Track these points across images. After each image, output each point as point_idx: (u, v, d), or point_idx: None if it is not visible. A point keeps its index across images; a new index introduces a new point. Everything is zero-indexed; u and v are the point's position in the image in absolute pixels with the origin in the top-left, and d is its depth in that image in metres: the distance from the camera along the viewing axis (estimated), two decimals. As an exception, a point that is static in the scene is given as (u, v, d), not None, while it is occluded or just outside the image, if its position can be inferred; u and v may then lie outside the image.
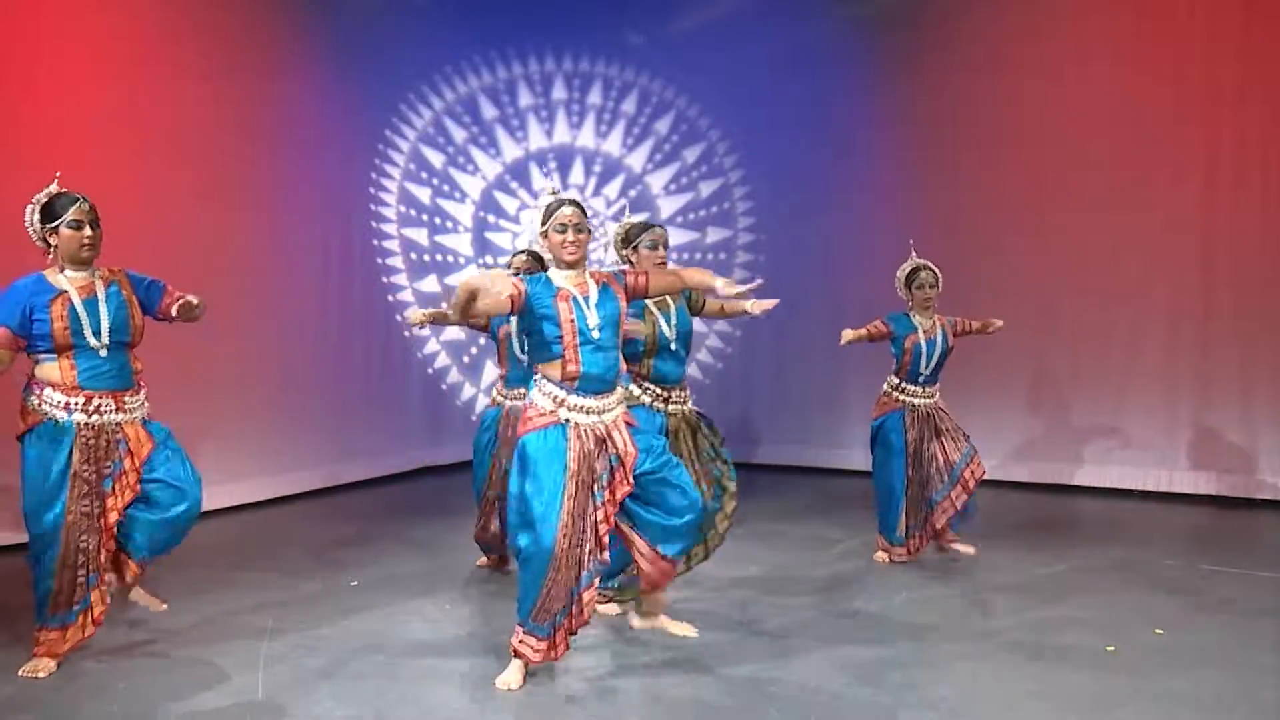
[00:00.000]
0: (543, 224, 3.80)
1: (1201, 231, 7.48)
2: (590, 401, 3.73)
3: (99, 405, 3.86)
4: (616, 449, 3.74)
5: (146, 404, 4.06)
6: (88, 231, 3.84)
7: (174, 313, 4.02)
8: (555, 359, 3.72)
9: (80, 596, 3.86)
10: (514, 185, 9.61)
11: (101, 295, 3.87)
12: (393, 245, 8.92)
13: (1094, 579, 5.21)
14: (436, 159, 9.22)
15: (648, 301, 4.42)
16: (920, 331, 5.43)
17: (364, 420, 8.33)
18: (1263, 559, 5.60)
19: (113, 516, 3.88)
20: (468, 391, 9.41)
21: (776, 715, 3.46)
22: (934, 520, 5.51)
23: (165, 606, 4.31)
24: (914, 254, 5.53)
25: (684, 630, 4.13)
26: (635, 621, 4.10)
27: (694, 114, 9.49)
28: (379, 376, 8.60)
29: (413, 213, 9.04)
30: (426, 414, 9.06)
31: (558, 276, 3.79)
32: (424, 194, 9.14)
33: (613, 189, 9.64)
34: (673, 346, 4.54)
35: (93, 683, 3.78)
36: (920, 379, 5.49)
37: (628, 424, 3.83)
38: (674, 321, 4.55)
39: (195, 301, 4.00)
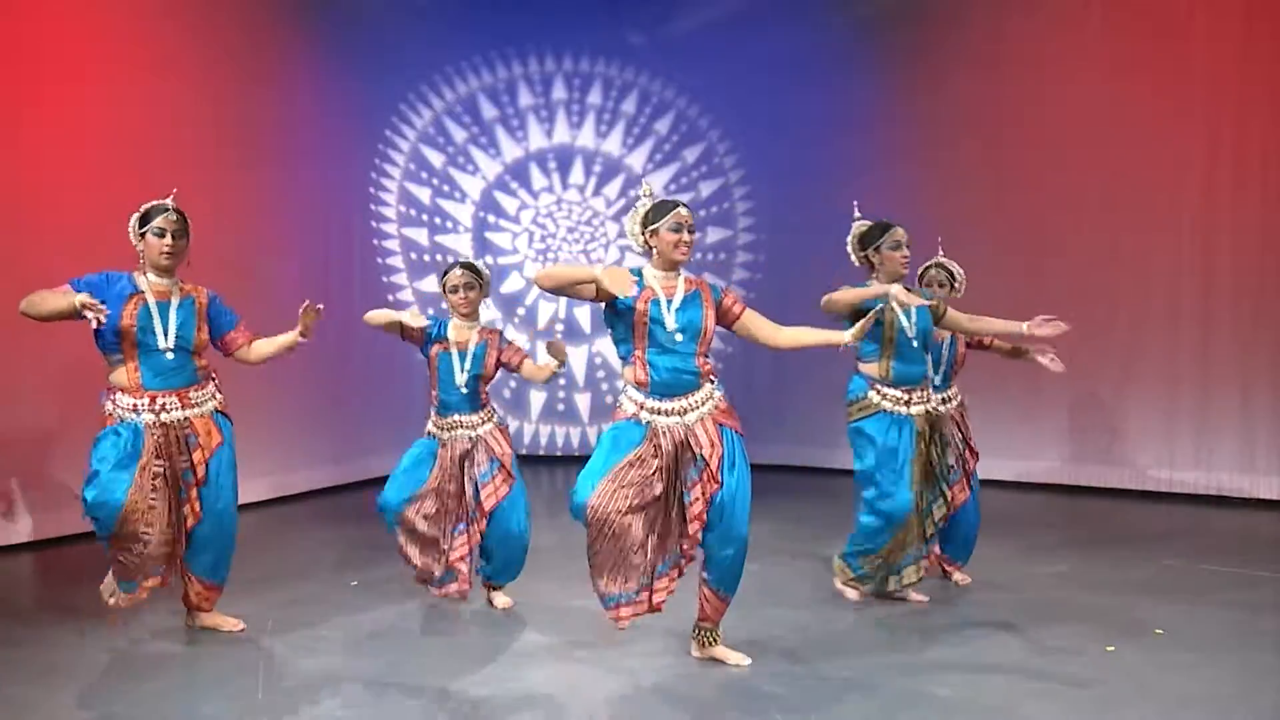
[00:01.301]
0: (653, 221, 3.79)
1: (1201, 231, 7.48)
2: (667, 404, 3.76)
3: (164, 404, 4.06)
4: (700, 449, 3.73)
5: (218, 395, 4.27)
6: (168, 240, 4.06)
7: (237, 350, 4.32)
8: (629, 362, 3.82)
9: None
10: (514, 185, 9.61)
11: (174, 303, 4.11)
12: (393, 245, 8.92)
13: (1094, 579, 5.21)
14: (436, 159, 9.22)
15: (893, 298, 4.33)
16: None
17: (364, 420, 8.33)
18: (1263, 559, 5.60)
19: (197, 506, 4.12)
20: (468, 391, 9.41)
21: (777, 715, 3.46)
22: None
23: (241, 626, 4.33)
24: (940, 251, 5.22)
25: (738, 660, 3.96)
26: (694, 651, 4.03)
27: (694, 114, 9.49)
28: (379, 376, 8.60)
29: (413, 213, 9.04)
30: (426, 414, 9.04)
31: (649, 274, 3.83)
32: (424, 194, 9.14)
33: (613, 189, 9.64)
34: (914, 344, 4.52)
35: (93, 683, 3.78)
36: (932, 385, 5.08)
37: (720, 423, 3.79)
38: (914, 319, 4.53)
39: (279, 346, 4.35)
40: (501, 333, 4.71)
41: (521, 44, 9.44)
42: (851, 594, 4.78)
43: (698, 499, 3.73)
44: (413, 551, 4.55)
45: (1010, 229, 8.07)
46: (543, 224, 9.67)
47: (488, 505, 4.50)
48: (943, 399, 4.96)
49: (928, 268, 5.18)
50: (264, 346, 4.37)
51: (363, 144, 8.60)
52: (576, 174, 9.67)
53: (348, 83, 8.24)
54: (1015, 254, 8.00)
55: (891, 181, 8.51)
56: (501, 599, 4.73)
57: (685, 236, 3.78)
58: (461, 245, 9.38)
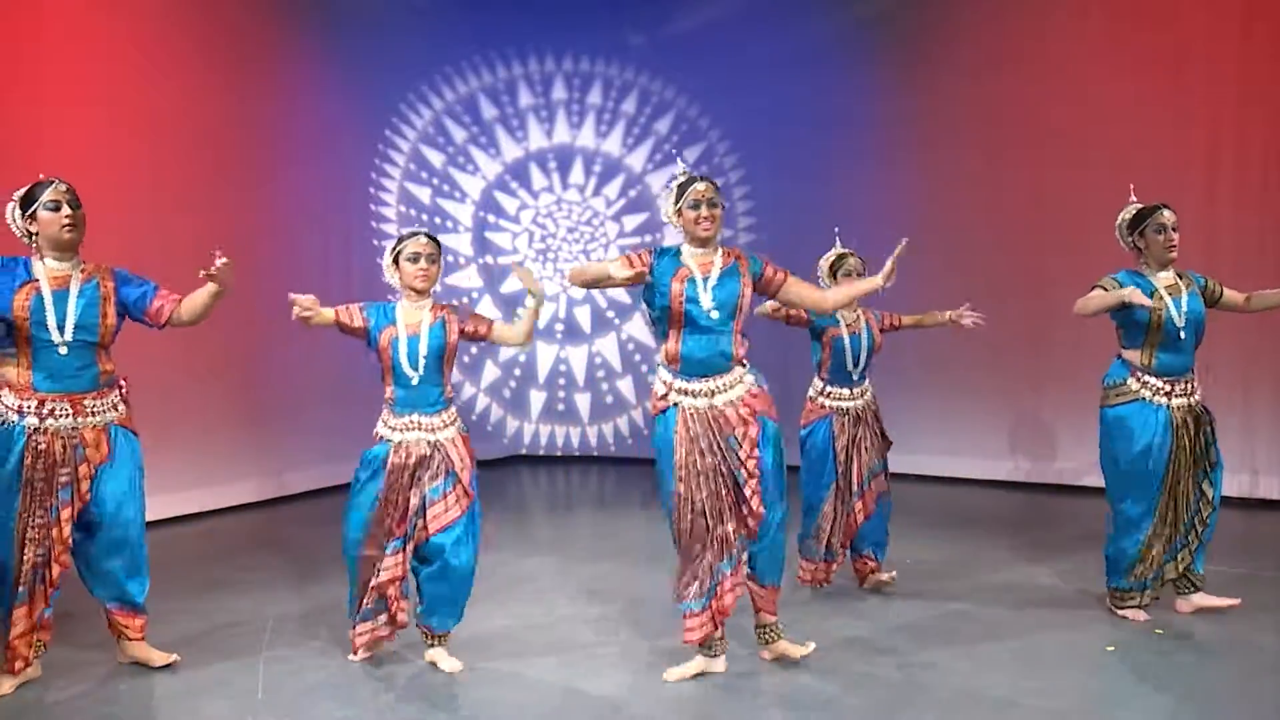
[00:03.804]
0: (675, 202, 3.84)
1: (1201, 231, 7.47)
2: (695, 384, 3.72)
3: (52, 409, 3.62)
4: (733, 429, 3.70)
5: (120, 408, 3.79)
6: (66, 211, 3.65)
7: (171, 318, 3.86)
8: (662, 340, 3.80)
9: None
10: (514, 185, 9.61)
11: (75, 289, 3.67)
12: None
13: (1093, 579, 5.20)
14: (436, 159, 9.22)
15: (1157, 286, 4.36)
16: (843, 325, 4.87)
17: (364, 420, 8.28)
18: (1263, 559, 5.60)
19: (66, 529, 3.65)
20: (468, 391, 9.41)
21: (777, 715, 3.46)
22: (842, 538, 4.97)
23: (176, 659, 3.96)
24: (839, 241, 5.07)
25: (803, 651, 3.94)
26: (763, 654, 4.00)
27: (694, 114, 9.49)
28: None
29: (413, 213, 9.04)
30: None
31: (686, 253, 3.83)
32: (424, 194, 9.14)
33: (613, 189, 9.63)
34: (1181, 335, 4.34)
35: (93, 684, 3.78)
36: (849, 379, 4.93)
37: (750, 408, 3.74)
38: (1184, 308, 4.35)
39: (213, 290, 3.81)
40: (456, 305, 4.18)
41: (521, 44, 9.44)
42: (1137, 615, 4.45)
43: (747, 478, 3.69)
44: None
45: (1010, 228, 8.07)
46: (543, 224, 9.67)
47: (432, 527, 3.90)
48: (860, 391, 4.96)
49: (843, 257, 4.96)
50: (194, 303, 3.86)
51: (363, 144, 8.60)
52: (576, 174, 9.66)
53: (348, 83, 8.24)
54: (1014, 253, 8.00)
55: (891, 181, 8.51)
56: (446, 660, 3.97)
57: (705, 212, 3.78)
58: (462, 245, 9.38)
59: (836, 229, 5.16)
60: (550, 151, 9.65)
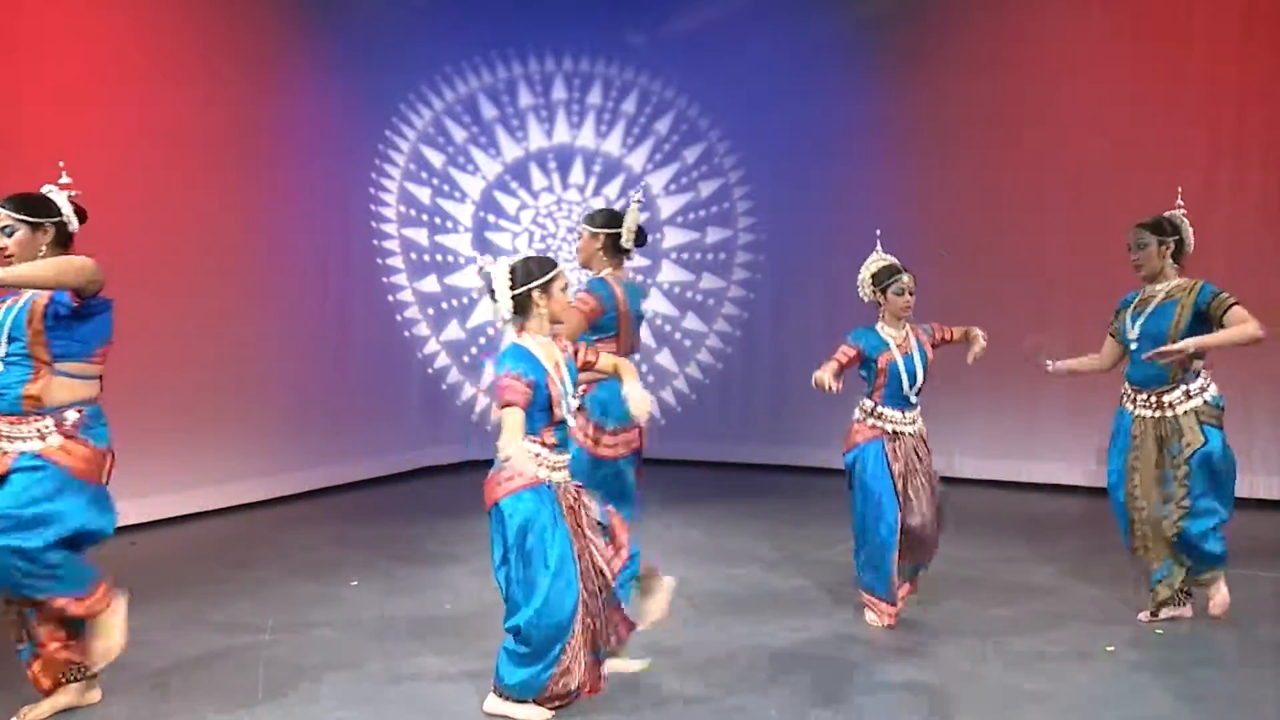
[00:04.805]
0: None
1: (1201, 231, 7.45)
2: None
3: None
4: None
5: (49, 440, 3.36)
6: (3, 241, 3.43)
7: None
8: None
9: None
10: (514, 185, 9.61)
11: (12, 303, 3.44)
12: (393, 245, 8.92)
13: (1093, 579, 5.21)
14: (436, 159, 9.22)
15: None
16: (894, 347, 4.49)
17: (364, 420, 8.33)
18: (1262, 559, 5.60)
19: None
20: (468, 391, 9.41)
21: (776, 715, 3.46)
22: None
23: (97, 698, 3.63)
24: (880, 246, 4.64)
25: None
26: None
27: (694, 114, 9.49)
28: (379, 376, 8.60)
29: (413, 213, 9.04)
30: (426, 414, 9.06)
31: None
32: (424, 194, 9.14)
33: (613, 189, 9.63)
34: (1132, 347, 4.52)
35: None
36: (905, 402, 4.54)
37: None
38: (1138, 323, 4.52)
39: None
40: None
41: (521, 44, 9.44)
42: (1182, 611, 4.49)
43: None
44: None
45: (1010, 228, 8.06)
46: (543, 224, 9.66)
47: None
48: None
49: (895, 271, 4.53)
50: None
51: (363, 144, 8.59)
52: (576, 174, 9.66)
53: (348, 83, 8.24)
54: (1015, 253, 8.00)
55: (891, 181, 8.51)
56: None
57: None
58: (461, 245, 9.38)
59: (878, 231, 4.74)
60: (550, 151, 9.65)
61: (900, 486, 4.43)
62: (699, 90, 9.42)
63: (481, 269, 3.69)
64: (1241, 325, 4.29)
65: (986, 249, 8.03)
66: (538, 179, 9.64)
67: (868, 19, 8.72)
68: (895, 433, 4.51)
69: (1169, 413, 4.40)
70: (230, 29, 7.24)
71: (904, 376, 4.47)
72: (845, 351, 4.46)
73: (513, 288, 3.60)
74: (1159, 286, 4.58)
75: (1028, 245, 7.99)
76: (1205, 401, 4.40)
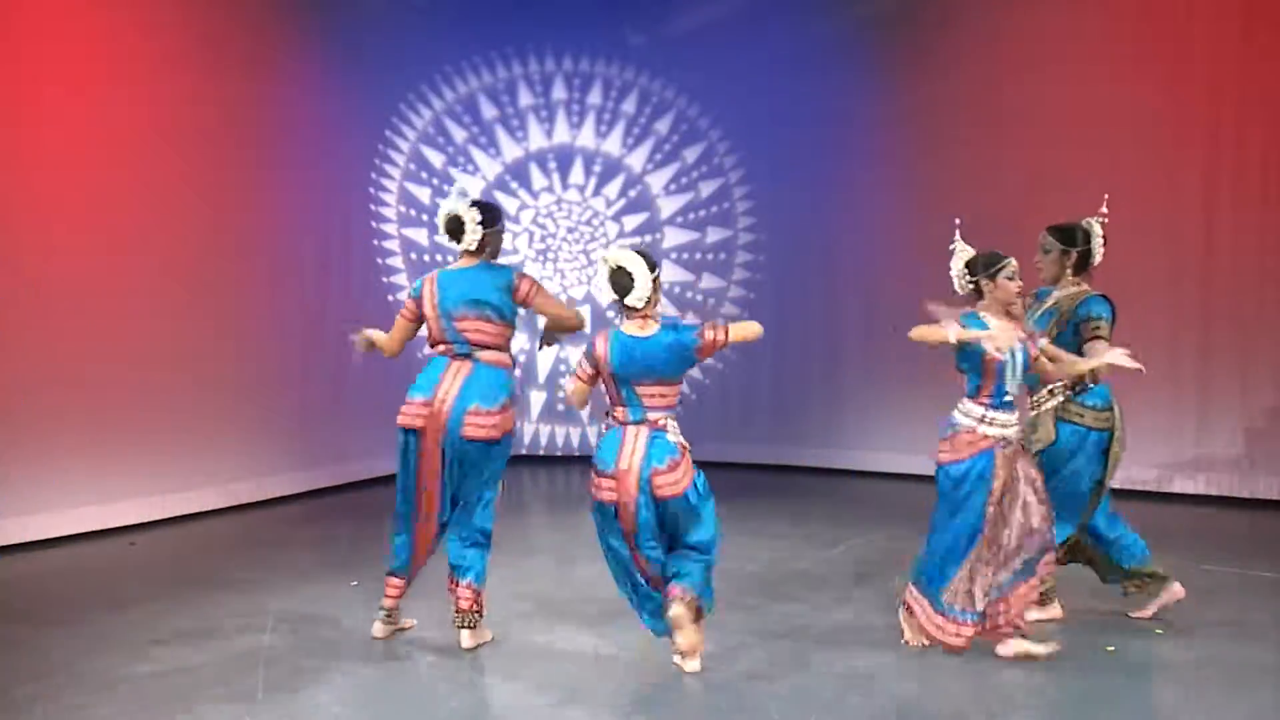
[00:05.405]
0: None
1: (1201, 231, 7.48)
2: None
3: None
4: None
5: None
6: None
7: None
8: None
9: None
10: (514, 185, 9.61)
11: None
12: (393, 245, 8.92)
13: (1093, 579, 5.20)
14: (436, 159, 9.22)
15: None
16: None
17: (364, 420, 8.31)
18: (1262, 559, 5.60)
19: None
20: (468, 391, 9.40)
21: (776, 715, 3.46)
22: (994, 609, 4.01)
23: None
24: (959, 235, 4.41)
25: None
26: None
27: (694, 114, 9.49)
28: (378, 376, 8.58)
29: (413, 213, 9.05)
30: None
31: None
32: (424, 194, 9.14)
33: (613, 189, 9.64)
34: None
35: (93, 684, 3.78)
36: (1008, 403, 4.06)
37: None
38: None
39: None
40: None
41: (521, 44, 9.44)
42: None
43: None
44: None
45: (1010, 228, 8.03)
46: (543, 224, 9.67)
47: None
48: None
49: (1001, 259, 4.35)
50: None
51: (363, 144, 8.59)
52: (576, 174, 9.66)
53: (348, 83, 8.24)
54: (1014, 253, 7.97)
55: (891, 181, 8.51)
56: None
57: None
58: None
59: (958, 220, 4.45)
60: (550, 151, 9.65)
61: (997, 501, 3.98)
62: (699, 90, 9.42)
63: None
64: (1085, 359, 4.39)
65: (986, 247, 8.01)
66: (538, 179, 9.64)
67: (868, 19, 8.72)
68: (1005, 439, 4.02)
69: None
70: (230, 29, 7.23)
71: (1010, 373, 3.99)
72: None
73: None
74: (1055, 292, 4.67)
75: (1028, 245, 7.96)
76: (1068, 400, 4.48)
